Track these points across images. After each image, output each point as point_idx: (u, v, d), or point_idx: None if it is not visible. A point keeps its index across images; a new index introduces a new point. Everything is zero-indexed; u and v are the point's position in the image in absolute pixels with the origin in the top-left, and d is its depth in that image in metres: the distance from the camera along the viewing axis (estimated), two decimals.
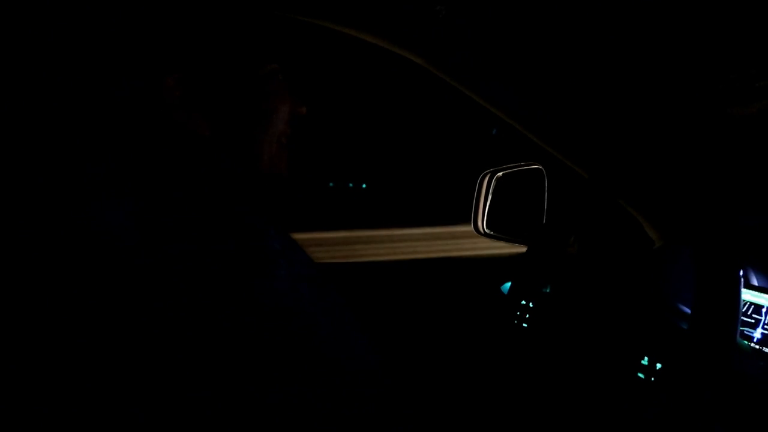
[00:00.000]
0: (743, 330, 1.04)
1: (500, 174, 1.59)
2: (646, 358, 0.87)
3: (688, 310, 0.97)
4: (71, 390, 0.47)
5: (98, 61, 0.60)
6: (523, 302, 1.23)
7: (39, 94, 0.59)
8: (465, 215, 1.62)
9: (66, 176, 0.55)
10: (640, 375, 0.87)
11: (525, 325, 1.17)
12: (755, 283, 1.10)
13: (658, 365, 0.84)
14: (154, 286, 0.50)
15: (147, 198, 0.55)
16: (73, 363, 0.48)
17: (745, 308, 1.05)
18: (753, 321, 1.03)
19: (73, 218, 0.51)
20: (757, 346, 1.01)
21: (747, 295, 1.06)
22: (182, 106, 0.62)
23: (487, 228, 1.58)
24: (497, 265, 1.68)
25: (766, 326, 1.01)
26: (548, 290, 1.19)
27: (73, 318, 0.48)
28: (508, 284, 1.41)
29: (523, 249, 1.43)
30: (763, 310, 1.02)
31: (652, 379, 0.84)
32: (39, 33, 0.59)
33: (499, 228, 1.57)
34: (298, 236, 0.71)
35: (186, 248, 0.52)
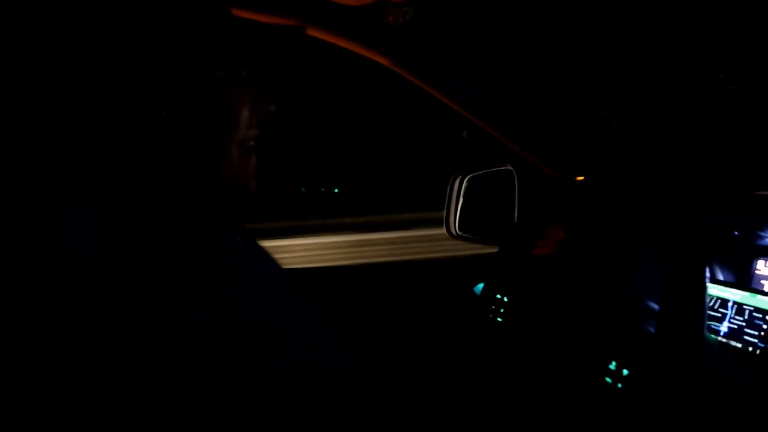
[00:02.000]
0: (710, 324, 1.06)
1: (471, 176, 1.59)
2: (613, 363, 0.87)
3: (657, 307, 0.98)
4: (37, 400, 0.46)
5: (62, 67, 0.58)
6: (498, 296, 1.23)
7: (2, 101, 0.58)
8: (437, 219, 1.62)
9: (28, 184, 0.53)
10: (608, 380, 0.87)
11: (500, 319, 1.17)
12: (720, 277, 1.12)
13: (625, 371, 0.85)
14: (119, 297, 0.48)
15: (110, 207, 0.53)
16: (35, 375, 0.46)
17: (711, 303, 1.08)
18: (719, 315, 1.05)
19: (35, 227, 0.50)
20: (724, 340, 1.03)
21: (713, 290, 1.08)
22: (133, 123, 0.59)
23: (459, 230, 1.58)
24: (469, 266, 1.69)
25: (732, 320, 1.03)
26: (522, 286, 1.20)
27: (35, 328, 0.46)
28: (481, 285, 1.41)
29: (494, 250, 1.44)
30: (729, 304, 1.05)
31: (619, 385, 0.85)
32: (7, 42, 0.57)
33: (471, 229, 1.58)
34: (268, 243, 0.69)
35: (151, 257, 0.51)
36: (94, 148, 0.59)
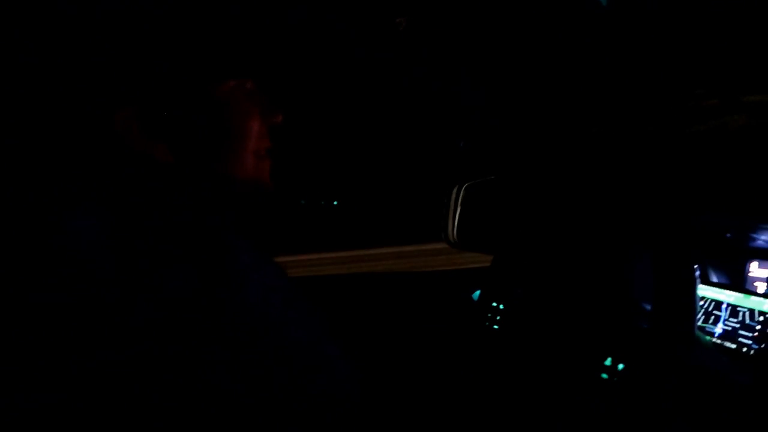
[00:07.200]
0: (704, 326, 1.07)
1: (468, 185, 1.61)
2: (609, 359, 0.89)
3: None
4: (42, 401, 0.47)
5: (71, 81, 0.60)
6: (494, 304, 1.25)
7: (13, 111, 0.59)
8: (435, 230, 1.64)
9: (40, 192, 0.55)
10: (604, 376, 0.89)
11: (496, 327, 1.19)
12: (714, 280, 1.14)
13: (620, 366, 0.86)
14: (125, 302, 0.50)
15: (117, 214, 0.55)
16: (40, 378, 0.47)
17: (705, 305, 1.09)
18: (714, 317, 1.07)
19: (45, 233, 0.51)
20: (719, 341, 1.04)
21: (707, 292, 1.09)
22: (142, 136, 0.62)
23: (457, 238, 1.60)
24: (467, 277, 1.70)
25: (726, 322, 1.04)
26: (518, 292, 1.21)
27: (42, 331, 0.48)
28: (478, 292, 1.43)
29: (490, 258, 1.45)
30: (723, 306, 1.06)
31: (615, 379, 0.87)
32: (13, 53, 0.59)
33: (468, 237, 1.59)
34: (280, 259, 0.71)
35: (156, 263, 0.52)
36: (100, 157, 0.61)
